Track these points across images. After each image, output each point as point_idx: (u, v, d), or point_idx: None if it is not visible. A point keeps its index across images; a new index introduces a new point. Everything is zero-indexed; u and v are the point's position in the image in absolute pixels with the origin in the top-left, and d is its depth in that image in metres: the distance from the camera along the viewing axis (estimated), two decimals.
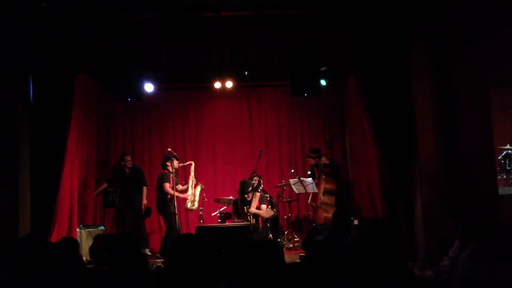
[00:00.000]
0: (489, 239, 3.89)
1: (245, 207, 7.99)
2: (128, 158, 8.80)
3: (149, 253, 8.45)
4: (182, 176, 9.07)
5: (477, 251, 2.95)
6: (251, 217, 7.91)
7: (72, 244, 3.65)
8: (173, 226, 7.92)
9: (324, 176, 8.58)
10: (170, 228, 8.04)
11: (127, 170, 8.74)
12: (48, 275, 2.81)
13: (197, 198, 8.43)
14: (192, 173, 8.57)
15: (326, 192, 8.49)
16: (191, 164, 8.59)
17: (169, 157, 8.27)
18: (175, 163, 8.40)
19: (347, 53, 7.26)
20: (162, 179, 8.21)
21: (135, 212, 8.52)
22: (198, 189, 8.52)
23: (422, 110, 6.68)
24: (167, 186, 8.11)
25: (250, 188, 8.03)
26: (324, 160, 8.78)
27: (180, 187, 8.47)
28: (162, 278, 3.07)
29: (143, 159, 9.53)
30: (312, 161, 8.99)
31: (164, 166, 8.25)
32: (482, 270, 2.84)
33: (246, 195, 8.02)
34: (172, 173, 8.19)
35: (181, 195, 8.35)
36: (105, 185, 8.96)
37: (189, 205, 8.36)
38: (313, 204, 8.67)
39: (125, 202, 8.45)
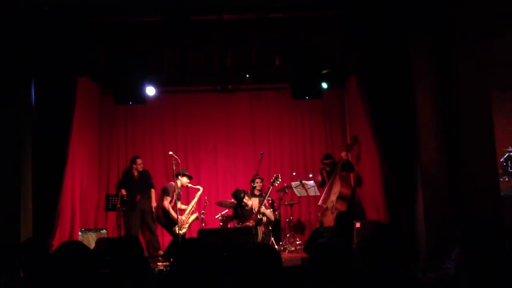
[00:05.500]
0: (493, 242, 3.90)
1: (254, 208, 8.12)
2: (140, 161, 8.82)
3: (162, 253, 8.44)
4: (184, 195, 9.06)
5: None
6: (261, 215, 8.01)
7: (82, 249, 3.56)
8: (176, 231, 7.90)
9: (340, 180, 8.49)
10: (173, 233, 8.06)
11: (136, 173, 8.74)
12: (53, 278, 2.81)
13: (187, 225, 8.30)
14: (196, 199, 8.48)
15: (340, 197, 8.38)
16: (198, 190, 8.49)
17: (184, 173, 8.29)
18: (185, 180, 8.39)
19: (348, 56, 7.27)
20: (166, 192, 8.20)
21: (143, 215, 8.54)
22: (193, 217, 8.41)
23: (423, 113, 6.66)
24: (168, 200, 8.14)
25: (242, 195, 8.20)
26: (344, 155, 8.69)
27: (179, 204, 8.37)
28: (165, 282, 3.06)
29: (145, 162, 9.51)
30: (327, 168, 8.91)
31: (176, 178, 8.11)
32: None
33: (243, 204, 8.21)
34: (178, 189, 8.22)
35: (173, 215, 8.15)
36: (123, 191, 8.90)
37: (177, 229, 8.01)
38: (324, 205, 8.59)
39: (132, 204, 8.46)
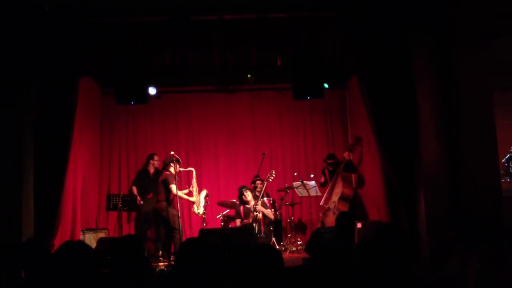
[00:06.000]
0: (493, 242, 3.90)
1: (252, 205, 8.14)
2: (157, 157, 8.84)
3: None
4: (185, 180, 9.06)
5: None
6: (257, 212, 8.04)
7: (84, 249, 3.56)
8: (177, 228, 7.89)
9: (342, 181, 8.47)
10: (173, 230, 8.01)
11: (152, 170, 8.74)
12: (55, 277, 2.82)
13: (202, 203, 8.44)
14: (194, 179, 8.53)
15: (342, 198, 8.36)
16: (192, 171, 8.57)
17: (171, 160, 8.24)
18: (177, 166, 8.40)
19: (349, 56, 7.27)
20: (168, 181, 8.11)
21: (154, 213, 8.56)
22: (203, 193, 8.52)
23: (424, 113, 6.67)
24: (175, 187, 8.03)
25: (244, 189, 8.34)
26: (346, 155, 8.68)
27: (180, 192, 8.42)
28: (167, 281, 3.07)
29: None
30: (330, 167, 8.90)
31: (167, 168, 8.22)
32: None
33: (243, 198, 8.30)
34: (175, 176, 8.18)
35: (187, 197, 8.34)
36: (134, 188, 8.90)
37: (195, 208, 8.37)
38: (326, 206, 8.58)
39: (144, 202, 8.51)
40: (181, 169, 8.51)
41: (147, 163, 8.87)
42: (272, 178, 8.38)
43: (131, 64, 7.02)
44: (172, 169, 8.18)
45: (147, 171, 8.81)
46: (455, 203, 6.43)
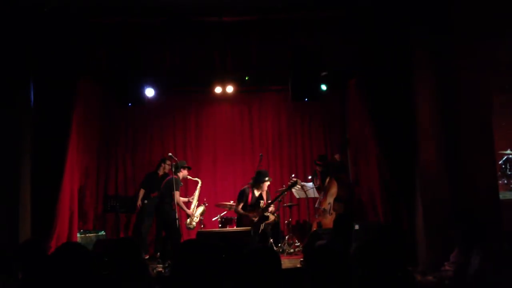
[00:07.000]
0: (492, 243, 3.89)
1: (261, 202, 8.00)
2: (169, 162, 8.79)
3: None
4: (183, 187, 9.04)
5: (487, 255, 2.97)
6: (271, 214, 7.94)
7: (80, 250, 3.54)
8: (176, 231, 7.86)
9: (336, 182, 8.45)
10: (172, 232, 7.98)
11: (161, 173, 8.74)
12: (52, 279, 2.80)
13: (196, 219, 8.40)
14: (197, 192, 8.50)
15: (338, 199, 8.34)
16: (198, 182, 8.54)
17: (184, 165, 8.23)
18: (186, 172, 8.36)
19: (348, 57, 7.26)
20: (174, 186, 7.93)
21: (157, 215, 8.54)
22: (200, 209, 8.49)
23: (423, 113, 6.67)
24: (178, 194, 7.98)
25: (267, 178, 8.08)
26: (337, 157, 8.68)
27: (182, 198, 8.39)
28: (165, 283, 3.05)
29: (144, 162, 9.51)
30: (319, 168, 8.89)
31: (177, 173, 8.14)
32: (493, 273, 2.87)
33: (259, 186, 8.07)
34: (180, 182, 8.16)
35: (185, 209, 8.27)
36: (142, 191, 8.87)
37: (188, 221, 8.30)
38: (321, 208, 8.56)
39: (150, 203, 8.49)
40: (189, 176, 8.50)
41: (159, 166, 8.88)
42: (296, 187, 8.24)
43: (129, 65, 7.02)
44: (181, 174, 8.16)
45: (157, 173, 8.81)
46: (454, 203, 6.42)
